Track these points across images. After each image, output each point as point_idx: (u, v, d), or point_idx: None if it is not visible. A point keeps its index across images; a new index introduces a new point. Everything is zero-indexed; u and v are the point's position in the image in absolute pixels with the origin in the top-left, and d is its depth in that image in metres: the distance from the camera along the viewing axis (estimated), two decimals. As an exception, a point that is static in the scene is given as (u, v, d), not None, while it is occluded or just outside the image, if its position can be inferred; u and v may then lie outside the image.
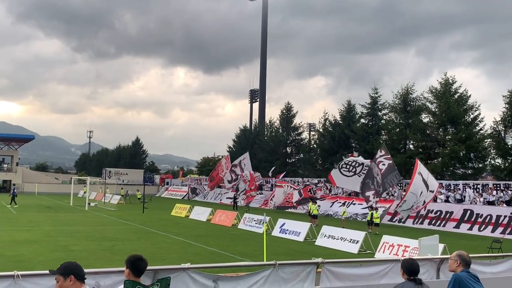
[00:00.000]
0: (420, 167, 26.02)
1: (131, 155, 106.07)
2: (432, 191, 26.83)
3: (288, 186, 45.00)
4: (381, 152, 29.83)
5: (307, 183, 48.11)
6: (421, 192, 25.71)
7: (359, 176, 30.15)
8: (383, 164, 29.12)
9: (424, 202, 26.67)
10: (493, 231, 29.51)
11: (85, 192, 60.16)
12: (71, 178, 67.44)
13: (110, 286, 5.49)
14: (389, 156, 29.63)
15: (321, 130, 64.57)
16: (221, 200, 59.60)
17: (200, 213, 34.48)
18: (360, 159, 31.45)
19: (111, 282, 5.54)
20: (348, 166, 30.91)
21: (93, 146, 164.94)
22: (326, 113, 63.95)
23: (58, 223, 29.15)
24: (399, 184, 39.65)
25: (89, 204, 44.57)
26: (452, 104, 44.92)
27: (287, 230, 24.40)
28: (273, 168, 58.89)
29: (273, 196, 48.58)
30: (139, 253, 4.94)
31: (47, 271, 5.29)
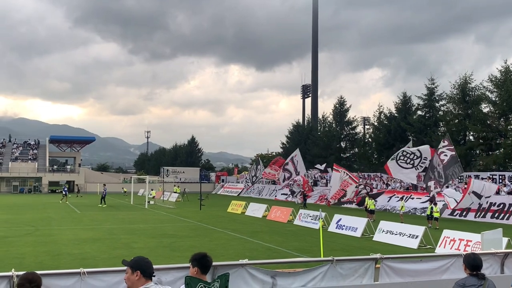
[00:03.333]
0: (473, 186, 24.80)
1: (187, 154, 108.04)
2: (489, 196, 25.99)
3: (344, 172, 41.73)
4: (444, 142, 28.54)
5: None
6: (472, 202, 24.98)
7: (416, 169, 29.23)
8: (445, 155, 27.79)
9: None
10: (562, 224, 28.14)
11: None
12: (131, 177, 69.43)
13: (171, 282, 5.64)
14: (452, 147, 28.17)
15: (375, 123, 63.64)
16: (276, 196, 59.77)
17: (256, 210, 34.72)
18: (422, 148, 30.60)
19: (172, 278, 5.69)
20: (405, 158, 30.08)
21: (151, 146, 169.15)
22: (381, 106, 63.47)
23: (119, 221, 30.11)
24: (460, 177, 38.37)
25: (148, 202, 45.79)
26: (513, 92, 43.14)
27: (344, 225, 24.18)
28: (324, 164, 58.10)
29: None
30: (198, 250, 5.07)
31: (111, 268, 5.61)
